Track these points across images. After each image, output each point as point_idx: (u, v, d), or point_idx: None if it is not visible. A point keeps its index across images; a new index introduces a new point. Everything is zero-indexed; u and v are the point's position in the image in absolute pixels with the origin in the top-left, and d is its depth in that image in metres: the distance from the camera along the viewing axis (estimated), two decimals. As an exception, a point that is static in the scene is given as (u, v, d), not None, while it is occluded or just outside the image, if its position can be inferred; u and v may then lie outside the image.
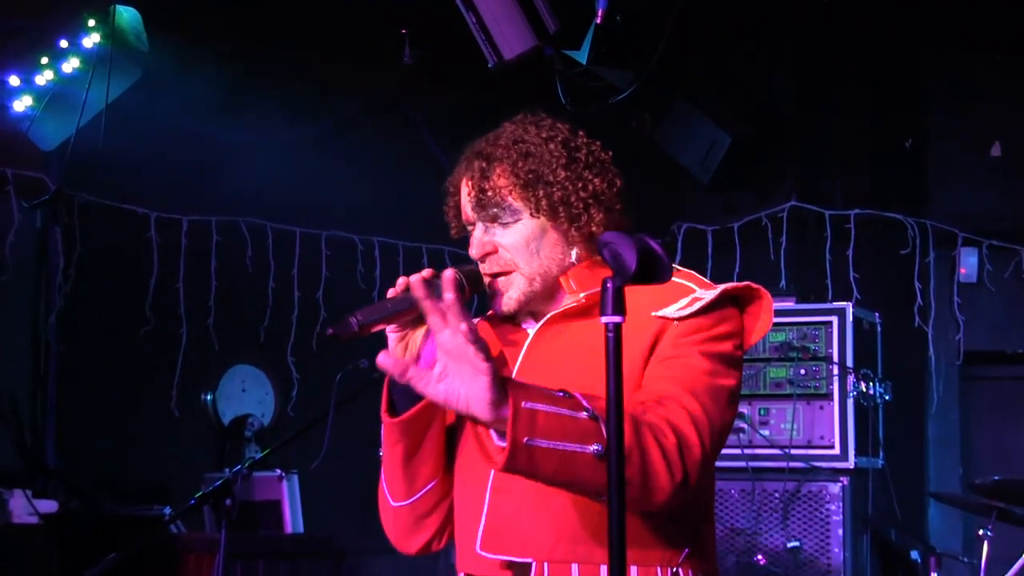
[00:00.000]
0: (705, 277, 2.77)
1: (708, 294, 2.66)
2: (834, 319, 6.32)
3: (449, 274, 2.42)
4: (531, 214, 2.71)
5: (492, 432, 2.42)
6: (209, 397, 6.90)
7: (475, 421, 2.42)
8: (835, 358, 6.27)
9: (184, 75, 6.44)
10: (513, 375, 2.72)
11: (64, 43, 6.20)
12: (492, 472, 2.68)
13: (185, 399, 6.77)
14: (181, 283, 6.76)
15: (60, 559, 5.72)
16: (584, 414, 2.41)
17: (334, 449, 4.82)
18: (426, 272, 2.64)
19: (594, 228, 2.71)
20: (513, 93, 6.17)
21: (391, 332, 2.69)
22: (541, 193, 2.69)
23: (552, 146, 2.73)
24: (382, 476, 2.87)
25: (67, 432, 6.45)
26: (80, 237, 6.42)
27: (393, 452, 2.78)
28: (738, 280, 2.78)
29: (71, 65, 6.22)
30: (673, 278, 2.69)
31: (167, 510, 5.70)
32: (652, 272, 2.20)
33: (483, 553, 2.68)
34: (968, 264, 7.23)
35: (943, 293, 7.26)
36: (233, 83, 6.62)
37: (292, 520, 6.15)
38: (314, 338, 7.16)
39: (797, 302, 6.43)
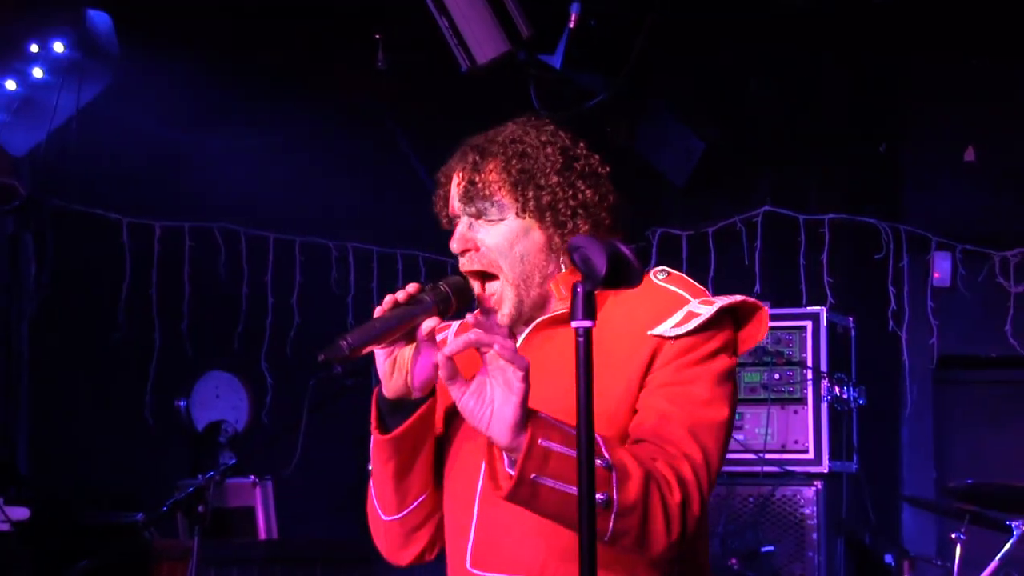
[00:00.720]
0: (690, 279, 2.75)
1: (705, 309, 2.64)
2: (808, 324, 6.34)
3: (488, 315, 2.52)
4: (517, 214, 2.68)
5: (505, 457, 2.42)
6: (183, 403, 6.87)
7: (491, 442, 2.42)
8: (809, 363, 6.28)
9: (156, 80, 6.41)
10: None
11: (34, 48, 6.16)
12: (479, 487, 2.67)
13: (158, 405, 6.73)
14: (154, 289, 6.73)
15: (32, 566, 5.69)
16: (599, 462, 2.39)
17: (308, 455, 4.81)
18: (411, 287, 2.64)
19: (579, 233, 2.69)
20: (487, 98, 6.18)
21: (379, 348, 2.66)
22: (531, 194, 2.67)
23: (549, 150, 2.71)
24: (371, 491, 2.84)
25: (39, 439, 6.41)
26: (52, 243, 6.39)
27: (384, 469, 2.75)
28: (714, 287, 2.77)
29: (41, 70, 6.19)
30: (665, 284, 2.71)
31: (140, 516, 5.67)
32: (622, 277, 2.19)
33: (472, 570, 2.67)
34: (942, 268, 7.25)
35: (917, 297, 7.28)
36: (206, 88, 6.60)
37: (266, 526, 6.13)
38: (288, 344, 7.15)
39: (771, 307, 6.45)
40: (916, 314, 7.27)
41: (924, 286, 7.29)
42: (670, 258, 7.35)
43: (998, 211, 7.25)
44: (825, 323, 6.33)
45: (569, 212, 2.68)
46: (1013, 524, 5.71)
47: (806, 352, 6.31)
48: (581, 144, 2.78)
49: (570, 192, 2.69)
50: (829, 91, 7.47)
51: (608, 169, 2.79)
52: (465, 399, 2.41)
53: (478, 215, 2.71)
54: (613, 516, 2.41)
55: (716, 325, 2.65)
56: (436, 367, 2.59)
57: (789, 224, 7.32)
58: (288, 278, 7.20)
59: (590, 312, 2.18)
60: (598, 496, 2.37)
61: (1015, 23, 6.84)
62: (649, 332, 2.62)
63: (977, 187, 7.27)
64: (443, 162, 2.82)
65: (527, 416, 2.38)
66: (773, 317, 6.34)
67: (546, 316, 2.72)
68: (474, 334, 2.38)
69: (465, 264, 2.73)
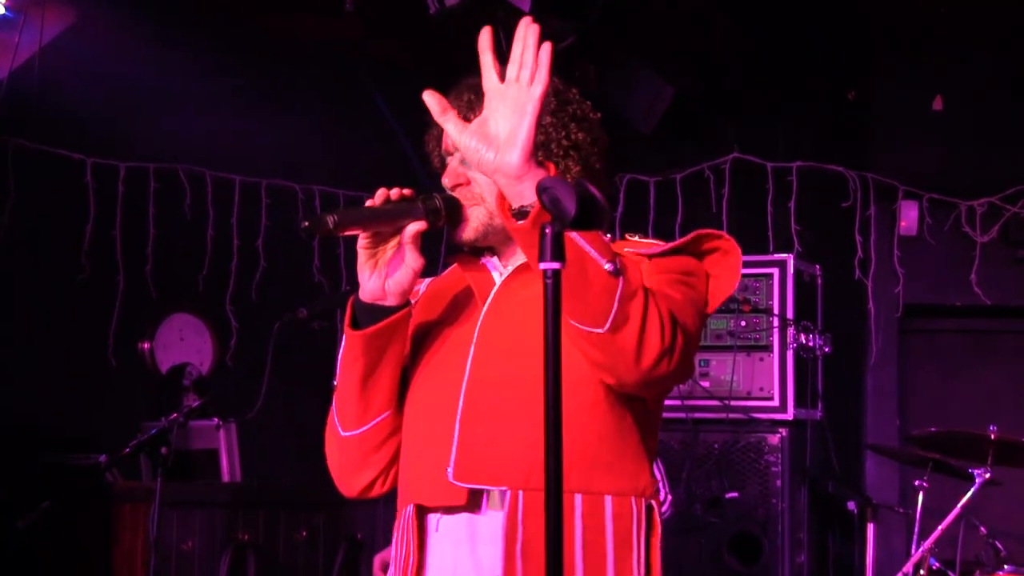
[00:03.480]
0: (648, 228, 2.81)
1: (681, 240, 2.71)
2: (775, 271, 6.35)
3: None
4: None
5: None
6: (146, 346, 6.84)
7: (500, 171, 2.47)
8: (775, 310, 6.29)
9: (120, 19, 6.34)
10: (480, 320, 2.75)
11: (-4, -16, 6.08)
12: (462, 401, 2.68)
13: (122, 347, 6.69)
14: (118, 230, 6.67)
15: (-7, 508, 5.67)
16: (606, 236, 2.48)
17: (272, 399, 4.79)
18: (407, 190, 2.70)
19: (569, 179, 2.70)
20: (455, 41, 6.13)
21: (362, 248, 2.71)
22: None
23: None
24: (333, 407, 2.85)
25: (1, 380, 6.37)
26: (14, 183, 6.32)
27: (352, 371, 2.77)
28: (682, 235, 2.80)
29: (2, 7, 6.10)
30: (639, 239, 2.79)
31: (102, 458, 5.65)
32: (591, 218, 2.17)
33: (456, 482, 2.66)
34: (908, 217, 7.26)
35: (883, 246, 7.29)
36: (172, 28, 6.52)
37: (230, 469, 6.12)
38: (253, 287, 7.11)
39: (738, 254, 6.44)
40: (882, 263, 7.28)
41: (891, 235, 7.30)
42: (638, 204, 7.34)
43: (965, 161, 7.25)
44: (792, 271, 6.33)
45: (561, 152, 2.72)
46: (975, 472, 5.75)
47: (773, 299, 6.32)
48: (574, 90, 2.84)
49: (563, 133, 2.74)
50: (798, 39, 7.44)
51: (600, 116, 2.84)
52: (465, 136, 2.48)
53: None
54: (619, 292, 2.45)
55: (694, 263, 2.71)
56: (414, 274, 2.71)
57: (757, 171, 7.31)
58: (254, 221, 7.15)
59: (559, 253, 2.16)
60: (608, 264, 2.44)
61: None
62: (626, 249, 2.65)
63: (945, 136, 7.27)
64: (409, 105, 2.84)
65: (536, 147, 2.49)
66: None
67: (525, 260, 2.73)
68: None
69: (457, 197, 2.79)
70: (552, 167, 2.51)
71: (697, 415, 6.29)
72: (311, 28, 7.01)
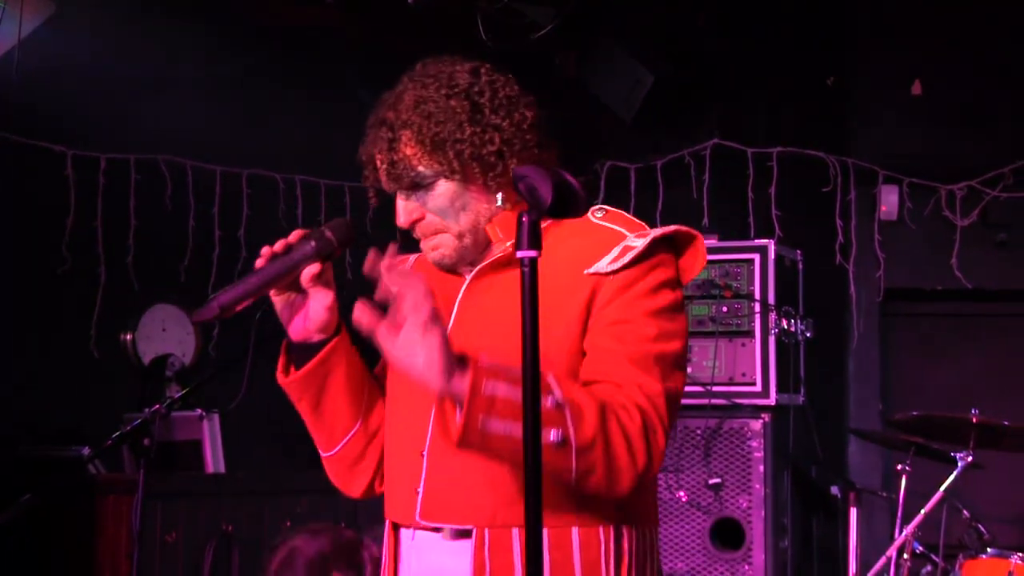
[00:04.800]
0: (629, 215, 2.74)
1: (639, 242, 2.62)
2: (756, 257, 6.35)
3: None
4: (446, 177, 2.65)
5: (456, 407, 2.40)
6: (128, 337, 6.82)
7: (426, 382, 2.39)
8: (757, 295, 6.29)
9: (100, 9, 6.32)
10: (449, 327, 2.69)
11: (-27, -24, 6.05)
12: (428, 439, 2.67)
13: (104, 339, 6.67)
14: (99, 222, 6.65)
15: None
16: (549, 401, 2.38)
17: (255, 388, 4.78)
18: (293, 235, 2.70)
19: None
20: (434, 29, 6.13)
21: (273, 298, 2.73)
22: (451, 154, 2.63)
23: (454, 102, 2.65)
24: None
25: (-17, 373, 6.36)
26: (-5, 175, 6.31)
27: (301, 408, 2.83)
28: (662, 221, 2.78)
29: (-19, -1, 6.09)
30: (602, 222, 2.70)
31: (85, 450, 5.64)
32: (568, 205, 2.17)
33: (422, 521, 2.67)
34: (889, 202, 7.27)
35: (864, 231, 7.30)
36: (152, 18, 6.50)
37: (213, 460, 6.11)
38: (235, 278, 7.08)
39: (719, 240, 6.45)
40: (863, 247, 7.29)
41: (871, 219, 7.31)
42: (618, 191, 7.34)
43: (944, 145, 7.27)
44: (773, 256, 6.34)
45: (494, 155, 2.64)
46: (957, 455, 5.77)
47: (754, 285, 6.33)
48: (482, 72, 2.73)
49: (487, 136, 2.65)
50: (777, 24, 7.44)
51: (517, 88, 2.73)
52: (393, 352, 2.39)
53: (411, 187, 2.69)
54: (574, 454, 2.41)
55: (655, 258, 2.63)
56: (327, 310, 2.70)
57: (737, 157, 7.32)
58: (235, 211, 7.14)
59: (535, 242, 2.15)
60: (553, 435, 2.38)
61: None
62: (586, 271, 2.60)
63: (924, 121, 7.29)
64: (391, 94, 2.80)
65: (456, 360, 2.36)
66: (722, 250, 6.38)
67: (487, 262, 2.71)
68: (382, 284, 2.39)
69: (416, 234, 2.74)
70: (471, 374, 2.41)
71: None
72: (293, 15, 6.99)
